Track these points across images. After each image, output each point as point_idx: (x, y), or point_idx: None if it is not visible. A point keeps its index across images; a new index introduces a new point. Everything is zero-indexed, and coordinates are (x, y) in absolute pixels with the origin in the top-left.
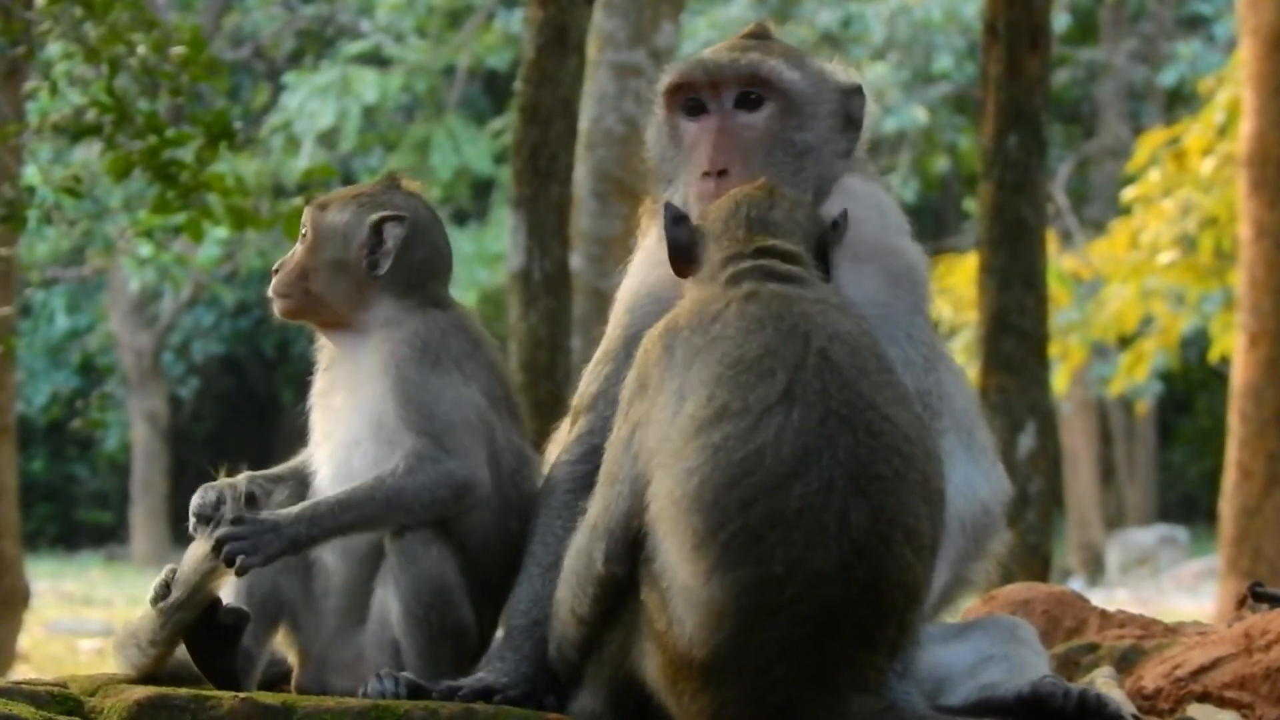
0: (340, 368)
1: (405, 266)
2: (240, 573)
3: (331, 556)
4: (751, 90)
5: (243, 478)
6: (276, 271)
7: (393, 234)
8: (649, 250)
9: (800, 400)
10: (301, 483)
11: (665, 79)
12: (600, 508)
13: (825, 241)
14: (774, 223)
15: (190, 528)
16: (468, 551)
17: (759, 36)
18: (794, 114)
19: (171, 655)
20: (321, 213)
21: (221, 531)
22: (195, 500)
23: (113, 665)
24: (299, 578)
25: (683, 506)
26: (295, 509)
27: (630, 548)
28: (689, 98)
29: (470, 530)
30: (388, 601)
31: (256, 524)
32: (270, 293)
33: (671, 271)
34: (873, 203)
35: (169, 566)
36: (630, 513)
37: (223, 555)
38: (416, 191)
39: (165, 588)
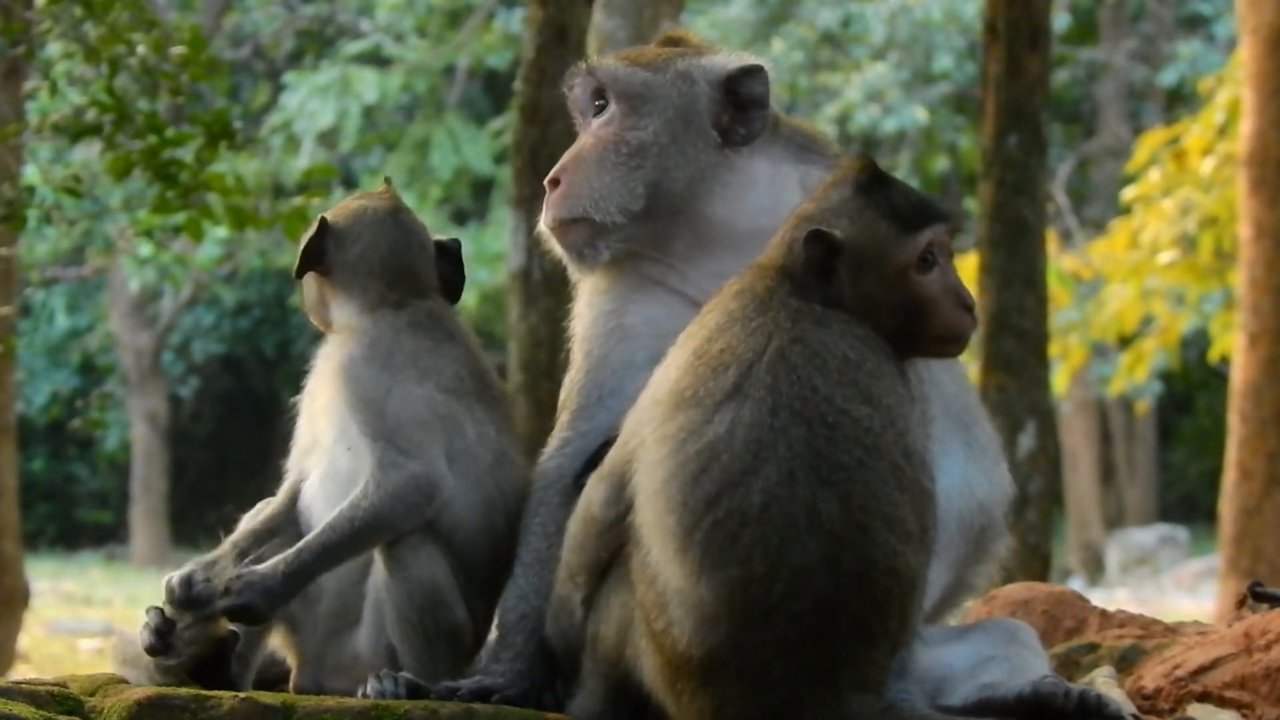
0: (317, 373)
1: (344, 266)
2: (250, 624)
3: None
4: (599, 97)
5: (225, 549)
6: None
7: (320, 232)
8: None
9: (751, 396)
10: (290, 522)
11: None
12: (607, 459)
13: (813, 259)
14: (794, 241)
15: (169, 609)
16: (455, 551)
17: (668, 44)
18: (631, 113)
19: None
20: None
21: (222, 604)
22: (178, 590)
23: (112, 666)
24: None
25: (658, 506)
26: (280, 560)
27: (621, 497)
28: (578, 113)
29: (454, 529)
30: (380, 606)
31: (245, 585)
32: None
33: (610, 279)
34: (776, 187)
35: (153, 615)
36: (620, 464)
37: (232, 621)
38: (383, 194)
39: (160, 637)
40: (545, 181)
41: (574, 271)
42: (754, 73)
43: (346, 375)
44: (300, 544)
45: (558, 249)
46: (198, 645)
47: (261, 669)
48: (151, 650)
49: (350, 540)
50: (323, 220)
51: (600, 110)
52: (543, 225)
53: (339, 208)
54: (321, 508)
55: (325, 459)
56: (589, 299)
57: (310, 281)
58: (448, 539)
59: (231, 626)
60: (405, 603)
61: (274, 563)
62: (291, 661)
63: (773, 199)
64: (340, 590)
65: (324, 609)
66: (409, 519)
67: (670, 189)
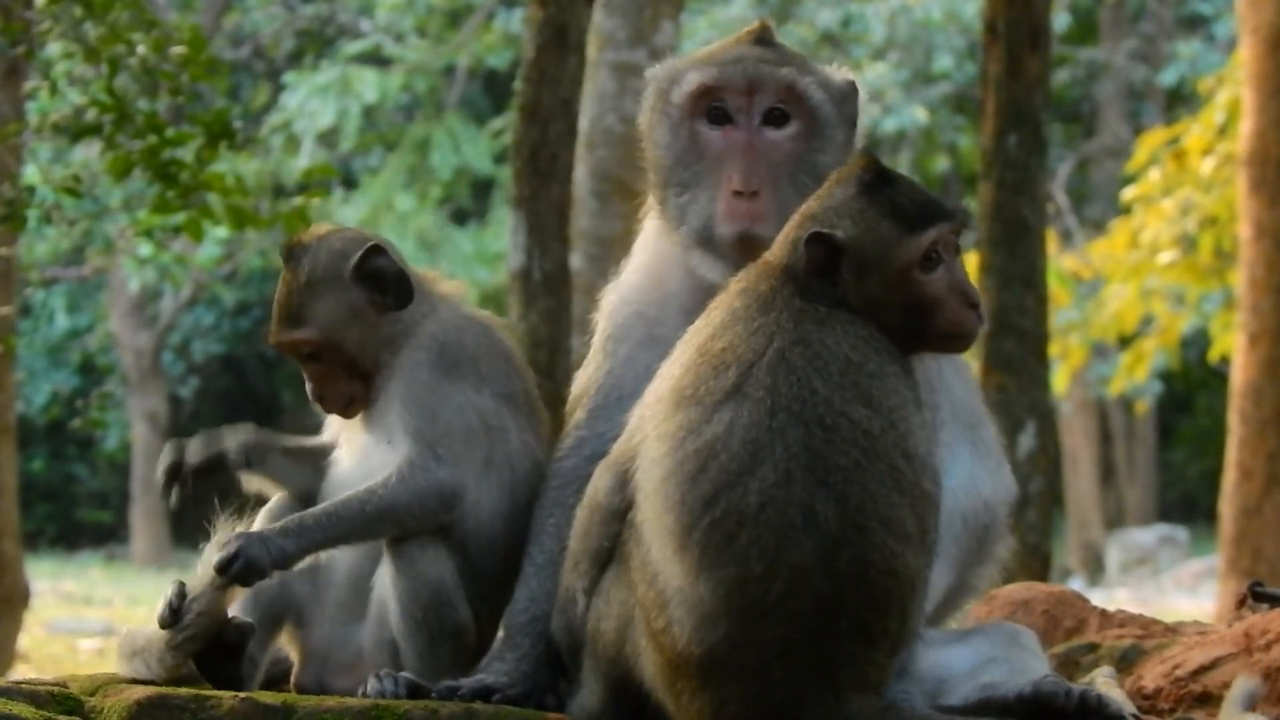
0: None
1: (402, 282)
2: (245, 585)
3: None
4: (781, 105)
5: (237, 439)
6: (321, 399)
7: (382, 264)
8: (637, 254)
9: (750, 396)
10: (317, 466)
11: (692, 79)
12: (614, 448)
13: (815, 261)
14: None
15: (158, 482)
16: (470, 554)
17: (765, 41)
18: (816, 135)
19: (181, 670)
20: (306, 325)
21: (218, 557)
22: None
23: (113, 665)
24: (308, 572)
25: (657, 505)
26: (283, 522)
27: (625, 488)
28: (715, 104)
29: (475, 533)
30: (386, 601)
31: (246, 540)
32: (336, 415)
33: (651, 278)
34: None
35: (173, 587)
36: (625, 456)
37: (227, 576)
38: (334, 226)
39: (172, 612)
40: (740, 189)
41: (719, 279)
42: (855, 89)
43: (410, 375)
44: (306, 510)
45: (726, 254)
46: (206, 616)
47: None
48: (162, 621)
49: (357, 519)
50: (376, 249)
51: (780, 121)
52: (729, 231)
53: (341, 244)
54: None
55: (359, 453)
56: (625, 296)
57: (368, 325)
58: (464, 541)
59: (242, 620)
60: (410, 600)
61: (276, 523)
62: (294, 658)
63: None
64: (350, 580)
65: (332, 600)
66: (421, 520)
67: None
